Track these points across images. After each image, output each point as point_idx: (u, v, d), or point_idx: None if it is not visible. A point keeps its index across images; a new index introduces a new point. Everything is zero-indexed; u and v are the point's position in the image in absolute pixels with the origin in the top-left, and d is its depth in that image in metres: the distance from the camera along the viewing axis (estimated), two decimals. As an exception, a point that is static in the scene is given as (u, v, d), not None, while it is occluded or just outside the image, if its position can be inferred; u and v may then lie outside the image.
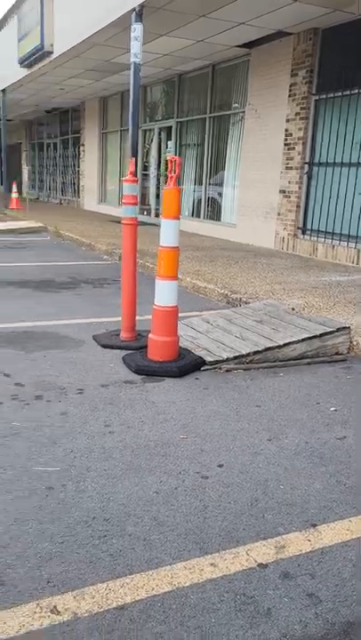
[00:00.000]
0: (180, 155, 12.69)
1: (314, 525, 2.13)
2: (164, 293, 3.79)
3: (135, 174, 4.21)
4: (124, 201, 4.23)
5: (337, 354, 4.31)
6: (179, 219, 3.71)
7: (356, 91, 7.91)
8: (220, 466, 2.55)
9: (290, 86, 8.97)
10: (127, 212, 4.23)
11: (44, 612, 1.64)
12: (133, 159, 4.60)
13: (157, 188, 13.88)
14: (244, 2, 7.25)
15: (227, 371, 3.89)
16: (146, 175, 14.24)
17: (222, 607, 1.70)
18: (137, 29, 7.06)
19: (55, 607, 1.66)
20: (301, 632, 1.61)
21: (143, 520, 2.11)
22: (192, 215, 12.36)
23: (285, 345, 4.12)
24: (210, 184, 11.78)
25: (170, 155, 3.47)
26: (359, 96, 7.92)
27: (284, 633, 1.61)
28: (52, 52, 11.32)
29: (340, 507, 2.27)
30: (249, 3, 7.28)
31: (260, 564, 1.90)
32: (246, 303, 5.58)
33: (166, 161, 13.71)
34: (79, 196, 19.26)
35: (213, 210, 11.76)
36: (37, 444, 2.67)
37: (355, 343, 4.34)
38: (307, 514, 2.21)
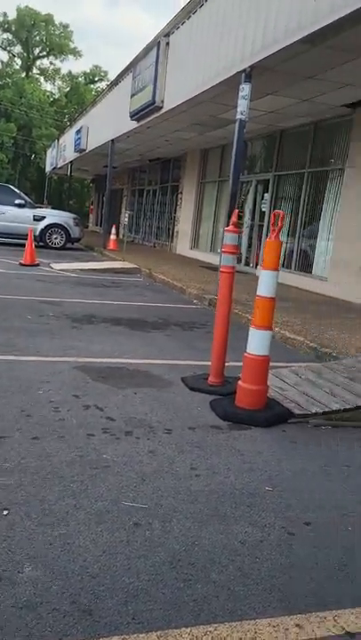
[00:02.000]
0: (275, 207, 12.87)
1: None
2: (258, 342, 3.81)
3: (238, 225, 4.33)
4: (224, 249, 4.35)
5: None
6: (278, 270, 3.76)
7: None
8: (308, 524, 2.49)
9: (393, 145, 8.92)
10: (227, 261, 4.34)
11: (128, 647, 1.66)
12: (237, 210, 4.73)
13: (250, 237, 14.08)
14: (350, 65, 7.39)
15: (315, 426, 3.82)
16: (240, 224, 14.51)
17: (308, 672, 1.64)
18: (245, 89, 7.39)
19: (139, 644, 1.67)
20: None
21: (228, 569, 2.10)
22: (282, 266, 12.38)
23: (378, 405, 3.98)
24: (303, 236, 11.80)
25: (276, 211, 3.56)
26: None
27: None
28: (161, 107, 12.02)
29: None
30: (355, 66, 7.42)
31: (348, 633, 1.82)
32: (336, 358, 5.47)
33: (262, 212, 13.87)
34: (172, 241, 19.89)
35: (305, 261, 11.73)
36: (126, 478, 2.74)
37: None
38: None
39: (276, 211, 3.73)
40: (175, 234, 19.61)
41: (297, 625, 1.83)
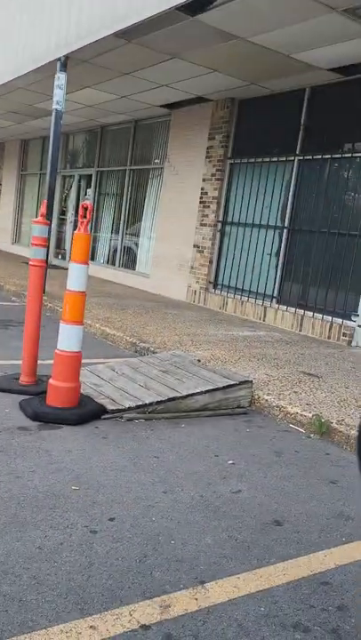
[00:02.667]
0: (98, 203, 12.82)
1: (202, 583, 2.08)
2: (68, 338, 3.70)
3: (48, 217, 4.17)
4: (33, 242, 4.16)
5: (239, 407, 4.38)
6: (87, 264, 3.69)
7: (268, 159, 8.45)
8: (112, 519, 2.45)
9: (207, 149, 9.42)
10: (36, 254, 4.15)
11: None
12: (45, 201, 4.55)
13: (73, 233, 13.86)
14: (165, 66, 7.61)
15: (128, 420, 3.83)
16: (63, 220, 14.21)
17: (98, 675, 1.58)
18: (61, 78, 7.20)
19: None
20: None
21: (21, 579, 1.96)
22: (107, 262, 12.41)
23: (188, 396, 4.13)
24: (127, 233, 11.93)
25: (84, 203, 3.48)
26: (270, 164, 8.45)
27: None
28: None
29: (230, 563, 2.23)
30: (170, 68, 7.66)
31: (142, 626, 1.81)
32: (154, 353, 5.58)
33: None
34: (-8, 236, 18.79)
35: (129, 259, 11.88)
36: None
37: (256, 397, 4.44)
38: (196, 570, 2.15)
39: (84, 202, 3.65)
40: (-5, 228, 18.54)
41: (91, 627, 1.77)
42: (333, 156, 7.52)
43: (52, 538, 2.24)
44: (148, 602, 1.93)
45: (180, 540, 2.35)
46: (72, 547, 2.20)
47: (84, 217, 3.58)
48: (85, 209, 3.57)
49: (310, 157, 7.85)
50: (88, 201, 13.25)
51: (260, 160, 8.59)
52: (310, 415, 4.00)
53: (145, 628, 1.80)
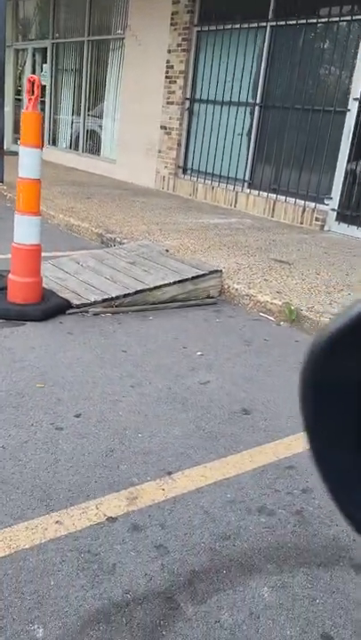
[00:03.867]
0: (56, 80, 11.79)
1: (169, 473, 2.09)
2: (25, 230, 3.47)
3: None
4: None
5: (208, 297, 4.30)
6: (40, 147, 3.36)
7: (238, 26, 7.69)
8: (78, 416, 2.42)
9: (172, 14, 8.51)
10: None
11: None
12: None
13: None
14: None
15: (94, 314, 3.72)
16: (19, 100, 13.11)
17: (64, 568, 1.60)
18: None
19: None
20: (145, 586, 1.57)
21: (-15, 479, 1.94)
22: (70, 147, 11.67)
23: (157, 288, 4.01)
24: (89, 115, 11.11)
25: (31, 76, 3.09)
26: (240, 32, 7.71)
27: (127, 589, 1.55)
28: None
29: (197, 453, 2.25)
30: None
31: (109, 518, 1.82)
32: (121, 244, 5.38)
33: (43, 86, 12.59)
34: None
35: (93, 143, 11.16)
36: None
37: (226, 287, 4.35)
38: (163, 462, 2.16)
39: (31, 76, 3.26)
40: None
41: (57, 522, 1.78)
42: (309, 21, 6.86)
43: (17, 437, 2.21)
44: (115, 494, 1.94)
45: (148, 432, 2.35)
46: (37, 444, 2.17)
47: (32, 92, 3.20)
48: (32, 83, 3.18)
49: (283, 23, 7.16)
50: (44, 77, 12.09)
51: (229, 27, 7.81)
52: (280, 303, 3.95)
53: (111, 520, 1.82)
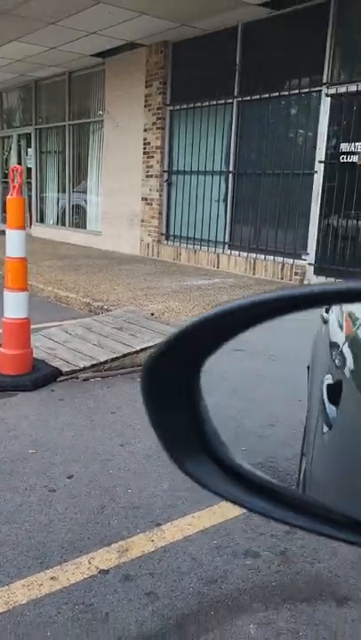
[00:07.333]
0: (41, 162, 12.43)
1: (158, 525, 2.19)
2: (14, 305, 3.68)
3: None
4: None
5: (193, 355, 4.46)
6: (24, 228, 3.63)
7: (207, 103, 8.29)
8: (70, 477, 2.53)
9: (145, 97, 9.16)
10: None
11: None
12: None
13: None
14: (90, 12, 7.28)
15: (84, 380, 3.88)
16: (6, 183, 13.74)
17: (59, 619, 1.68)
18: (-19, 33, 6.81)
19: None
20: (137, 631, 1.65)
21: (-18, 543, 2.04)
22: (57, 223, 12.16)
23: (142, 350, 4.19)
24: (74, 192, 11.66)
25: (14, 166, 3.39)
26: (210, 108, 8.30)
27: (120, 635, 1.63)
28: None
29: (185, 504, 2.35)
30: (97, 13, 7.32)
31: (101, 571, 1.91)
32: (108, 311, 5.60)
33: (29, 169, 13.18)
34: None
35: (79, 218, 11.66)
36: None
37: (210, 344, 4.52)
38: (152, 515, 2.26)
39: (14, 166, 3.56)
40: None
41: (52, 578, 1.87)
42: (271, 94, 7.43)
43: (11, 501, 2.31)
44: (107, 548, 2.03)
45: (137, 488, 2.46)
46: (31, 506, 2.28)
47: (15, 181, 3.50)
48: (15, 172, 3.48)
49: (249, 98, 7.74)
50: (30, 161, 12.70)
51: (199, 105, 8.42)
52: (262, 356, 4.12)
53: (104, 572, 1.91)
